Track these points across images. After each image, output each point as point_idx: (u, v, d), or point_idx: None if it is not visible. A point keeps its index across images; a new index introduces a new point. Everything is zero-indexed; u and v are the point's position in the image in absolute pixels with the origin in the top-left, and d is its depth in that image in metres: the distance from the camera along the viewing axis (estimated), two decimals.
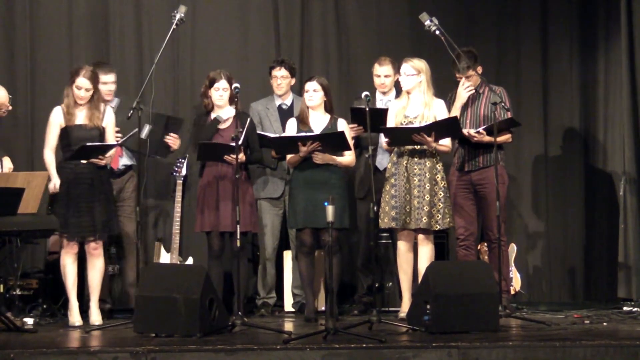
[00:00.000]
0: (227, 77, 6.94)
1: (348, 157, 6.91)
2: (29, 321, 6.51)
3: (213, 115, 7.00)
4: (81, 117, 6.68)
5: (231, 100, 6.86)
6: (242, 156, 6.71)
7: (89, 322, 6.63)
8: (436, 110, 6.82)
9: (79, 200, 6.57)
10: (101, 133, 6.69)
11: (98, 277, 6.72)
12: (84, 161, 6.58)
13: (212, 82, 6.96)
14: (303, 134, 6.84)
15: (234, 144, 6.41)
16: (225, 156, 6.71)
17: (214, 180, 6.88)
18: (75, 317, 6.61)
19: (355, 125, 7.18)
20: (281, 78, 7.46)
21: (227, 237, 6.91)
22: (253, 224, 6.95)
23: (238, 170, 6.44)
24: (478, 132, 6.93)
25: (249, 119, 6.96)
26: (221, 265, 6.97)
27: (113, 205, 6.84)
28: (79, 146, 6.49)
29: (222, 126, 6.95)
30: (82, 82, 6.64)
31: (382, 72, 7.35)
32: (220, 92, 6.93)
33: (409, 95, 6.89)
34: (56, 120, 6.68)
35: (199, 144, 6.81)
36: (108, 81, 7.21)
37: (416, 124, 6.74)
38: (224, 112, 6.98)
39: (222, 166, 6.84)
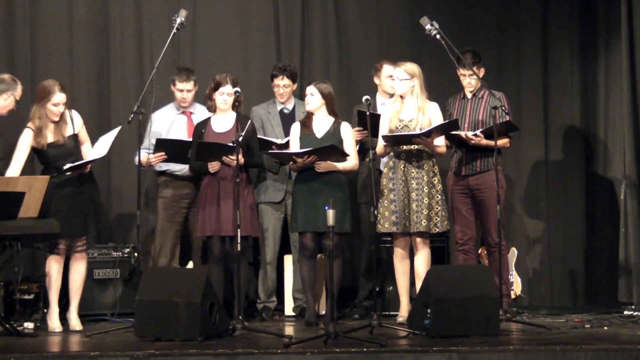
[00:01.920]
0: (233, 82, 6.88)
1: (350, 162, 6.90)
2: (30, 325, 6.51)
3: (213, 118, 6.99)
4: (51, 134, 6.60)
5: (232, 105, 6.83)
6: (240, 157, 6.67)
7: (69, 328, 6.60)
8: (431, 114, 6.84)
9: (65, 207, 6.54)
10: (76, 142, 6.64)
11: (80, 281, 6.71)
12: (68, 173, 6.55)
13: (217, 86, 6.91)
14: (298, 149, 6.83)
15: (232, 144, 6.41)
16: (224, 157, 6.71)
17: (215, 182, 6.86)
18: (55, 323, 6.59)
19: (361, 128, 7.17)
20: (283, 87, 7.45)
21: (227, 241, 6.90)
22: (253, 228, 6.92)
23: (238, 174, 6.44)
24: (476, 135, 6.92)
25: (249, 122, 6.94)
26: (222, 269, 6.95)
27: (100, 208, 6.81)
28: (63, 170, 6.42)
29: (222, 130, 6.94)
30: (60, 97, 6.53)
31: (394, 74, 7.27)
32: (224, 97, 6.89)
33: (402, 100, 6.90)
34: (26, 142, 6.57)
35: (197, 143, 6.80)
36: (187, 88, 7.25)
37: (411, 127, 6.76)
38: (226, 117, 6.96)
39: (222, 168, 6.83)
